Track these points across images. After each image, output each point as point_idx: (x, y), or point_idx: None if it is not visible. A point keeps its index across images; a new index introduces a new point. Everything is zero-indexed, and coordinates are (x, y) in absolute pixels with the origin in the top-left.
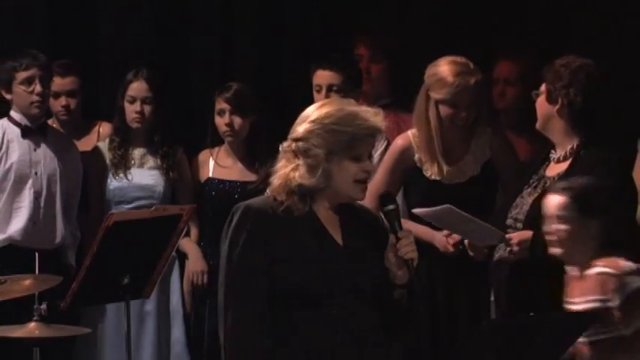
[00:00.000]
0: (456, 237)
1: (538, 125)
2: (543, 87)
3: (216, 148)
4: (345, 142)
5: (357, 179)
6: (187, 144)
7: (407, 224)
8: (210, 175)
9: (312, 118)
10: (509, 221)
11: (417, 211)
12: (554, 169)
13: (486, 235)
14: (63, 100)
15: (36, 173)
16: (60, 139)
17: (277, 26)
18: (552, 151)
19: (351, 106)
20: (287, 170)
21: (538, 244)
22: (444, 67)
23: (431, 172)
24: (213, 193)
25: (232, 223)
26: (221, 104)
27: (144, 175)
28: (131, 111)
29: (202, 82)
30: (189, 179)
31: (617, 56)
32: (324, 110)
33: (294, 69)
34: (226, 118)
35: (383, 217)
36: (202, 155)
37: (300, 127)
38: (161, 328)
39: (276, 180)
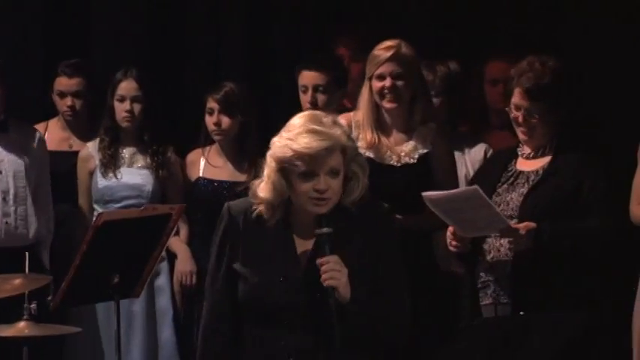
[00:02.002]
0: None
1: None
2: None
3: (208, 148)
4: (291, 159)
5: (310, 197)
6: (179, 143)
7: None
8: (201, 174)
9: (285, 126)
10: None
11: (431, 194)
12: (529, 165)
13: (491, 224)
14: (69, 101)
15: (0, 172)
16: (23, 130)
17: (267, 26)
18: (520, 146)
19: (316, 124)
20: (259, 179)
21: (543, 233)
22: (375, 47)
23: (364, 148)
24: (203, 192)
25: (217, 223)
26: (211, 103)
27: (133, 174)
28: (121, 110)
29: (194, 81)
30: (179, 178)
31: (604, 56)
32: (292, 122)
33: (284, 69)
34: (215, 118)
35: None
36: (193, 155)
37: (275, 137)
38: (150, 328)
39: (254, 185)
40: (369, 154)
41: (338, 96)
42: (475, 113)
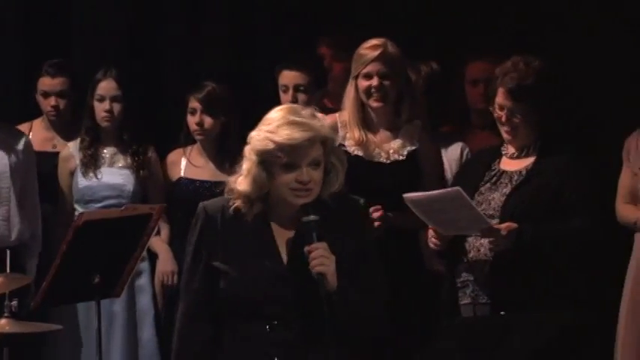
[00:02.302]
0: (376, 214)
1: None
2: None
3: (189, 148)
4: (273, 151)
5: (292, 188)
6: (159, 143)
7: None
8: (182, 174)
9: (263, 121)
10: None
11: (412, 195)
12: (513, 164)
13: (472, 224)
14: (52, 100)
15: None
16: (8, 133)
17: (248, 26)
18: (504, 145)
19: (296, 116)
20: (236, 175)
21: (524, 234)
22: (361, 45)
23: (353, 146)
24: (185, 192)
25: (192, 223)
26: (193, 103)
27: (114, 174)
28: (100, 110)
29: (175, 81)
30: (160, 178)
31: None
32: (272, 115)
33: (266, 69)
34: (197, 117)
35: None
36: (174, 154)
37: (253, 131)
38: (130, 328)
39: (231, 181)
40: (358, 152)
41: (318, 96)
42: (457, 113)
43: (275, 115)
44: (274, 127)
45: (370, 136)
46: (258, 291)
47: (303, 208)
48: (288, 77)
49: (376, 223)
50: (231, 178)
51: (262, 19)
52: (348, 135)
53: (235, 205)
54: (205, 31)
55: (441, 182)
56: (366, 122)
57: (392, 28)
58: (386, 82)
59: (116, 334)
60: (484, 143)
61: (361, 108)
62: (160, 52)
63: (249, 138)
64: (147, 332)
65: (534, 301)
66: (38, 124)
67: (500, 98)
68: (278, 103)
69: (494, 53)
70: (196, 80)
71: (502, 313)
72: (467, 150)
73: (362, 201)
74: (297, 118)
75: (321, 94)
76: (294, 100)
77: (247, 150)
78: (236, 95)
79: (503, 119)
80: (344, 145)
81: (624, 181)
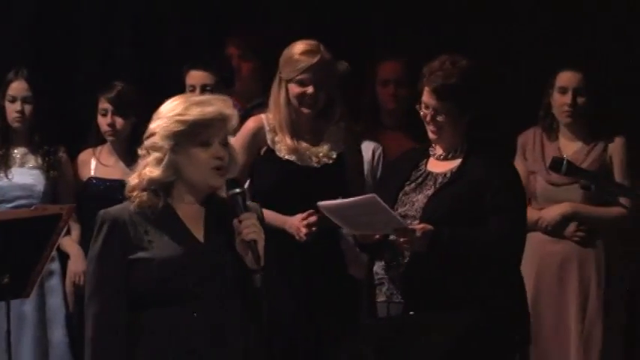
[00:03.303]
0: (312, 219)
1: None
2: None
3: (99, 148)
4: (188, 129)
5: (212, 167)
6: (70, 143)
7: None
8: (92, 174)
9: (160, 113)
10: None
11: (326, 203)
12: (439, 166)
13: (387, 226)
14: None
15: None
16: None
17: (158, 27)
18: (432, 147)
19: (197, 97)
20: (139, 168)
21: (440, 236)
22: (293, 49)
23: (284, 151)
24: (95, 192)
25: (93, 233)
26: (104, 104)
27: (24, 174)
28: (11, 110)
29: (85, 81)
30: (70, 178)
31: (498, 55)
32: (170, 104)
33: (175, 69)
34: (108, 118)
35: (228, 201)
36: (84, 154)
37: (151, 125)
38: (40, 328)
39: (131, 180)
40: (290, 157)
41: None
42: (368, 113)
43: (173, 103)
44: (181, 109)
45: (300, 140)
46: (177, 277)
47: (228, 182)
48: (195, 77)
49: (313, 228)
50: (130, 178)
51: (170, 20)
52: (277, 139)
53: (139, 199)
54: (114, 31)
55: (360, 185)
56: (295, 127)
57: (302, 28)
58: (320, 90)
59: (26, 335)
60: (394, 143)
61: (292, 112)
62: (70, 53)
63: (150, 130)
64: (57, 333)
65: (445, 301)
66: None
67: (425, 97)
68: None
69: (404, 53)
70: (107, 80)
71: (411, 313)
72: (379, 150)
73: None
74: (201, 98)
75: (229, 94)
76: None
77: (155, 139)
78: (146, 95)
79: (428, 118)
80: (273, 150)
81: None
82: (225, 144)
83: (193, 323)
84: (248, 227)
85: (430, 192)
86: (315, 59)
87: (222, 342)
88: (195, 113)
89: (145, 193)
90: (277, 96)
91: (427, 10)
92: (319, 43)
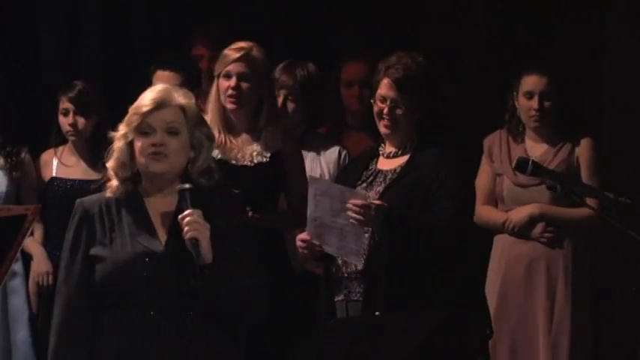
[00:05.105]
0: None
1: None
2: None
3: (60, 148)
4: (134, 119)
5: (148, 153)
6: (32, 144)
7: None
8: (54, 174)
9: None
10: None
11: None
12: (388, 164)
13: (350, 236)
14: None
15: None
16: None
17: (123, 25)
18: (382, 145)
19: (151, 88)
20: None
21: (391, 214)
22: (227, 48)
23: (217, 150)
24: (57, 192)
25: (70, 219)
26: (65, 104)
27: None
28: None
29: (49, 81)
30: (33, 179)
31: (457, 55)
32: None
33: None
34: (70, 118)
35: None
36: (46, 155)
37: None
38: (3, 329)
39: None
40: (224, 156)
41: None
42: (332, 115)
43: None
44: (137, 100)
45: (232, 138)
46: (136, 273)
47: (182, 176)
48: (162, 77)
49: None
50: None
51: (138, 18)
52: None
53: (110, 189)
54: (80, 32)
55: (304, 184)
56: (228, 124)
57: (269, 29)
58: (244, 85)
59: None
60: (359, 144)
61: (222, 109)
62: (34, 53)
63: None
64: (21, 334)
65: (404, 300)
66: None
67: (383, 90)
68: None
69: (368, 54)
70: (71, 80)
71: (377, 313)
72: (345, 152)
73: (237, 192)
74: (152, 88)
75: (195, 94)
76: None
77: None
78: (112, 95)
79: (385, 111)
80: None
81: (483, 181)
82: (175, 133)
83: (143, 327)
84: (189, 225)
85: (380, 188)
86: (240, 53)
87: (174, 346)
88: (139, 102)
89: (116, 183)
90: (210, 93)
91: (387, 8)
92: (254, 44)
